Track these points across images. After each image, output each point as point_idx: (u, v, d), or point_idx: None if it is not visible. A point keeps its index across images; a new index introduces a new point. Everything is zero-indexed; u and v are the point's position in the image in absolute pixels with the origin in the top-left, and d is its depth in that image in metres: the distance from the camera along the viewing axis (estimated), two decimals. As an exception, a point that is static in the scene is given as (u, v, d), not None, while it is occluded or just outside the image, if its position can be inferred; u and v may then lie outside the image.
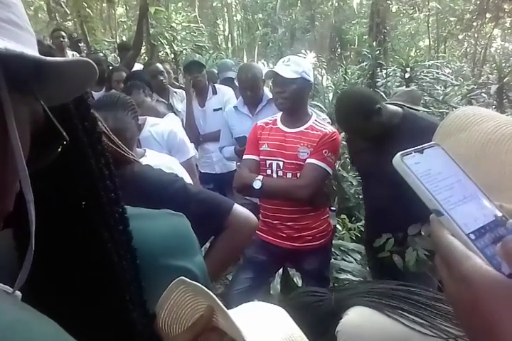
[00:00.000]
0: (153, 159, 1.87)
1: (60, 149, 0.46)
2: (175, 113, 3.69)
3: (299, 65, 2.35)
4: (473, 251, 0.39)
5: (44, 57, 0.36)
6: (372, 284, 1.14)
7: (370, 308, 0.96)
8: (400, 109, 2.33)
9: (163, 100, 3.93)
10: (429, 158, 0.45)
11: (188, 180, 1.98)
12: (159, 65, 4.08)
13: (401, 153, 0.44)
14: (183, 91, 3.96)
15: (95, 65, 0.43)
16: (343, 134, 2.86)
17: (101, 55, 4.87)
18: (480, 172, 0.61)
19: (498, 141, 0.64)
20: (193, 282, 0.61)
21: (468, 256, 0.39)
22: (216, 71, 4.92)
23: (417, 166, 0.43)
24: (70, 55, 6.11)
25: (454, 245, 0.40)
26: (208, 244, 1.42)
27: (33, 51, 0.38)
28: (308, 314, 1.43)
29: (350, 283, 2.62)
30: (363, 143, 2.37)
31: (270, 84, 3.32)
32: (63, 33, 5.91)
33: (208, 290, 0.61)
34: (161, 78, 3.89)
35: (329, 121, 3.05)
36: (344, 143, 4.22)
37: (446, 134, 0.70)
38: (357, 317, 0.96)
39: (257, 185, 2.27)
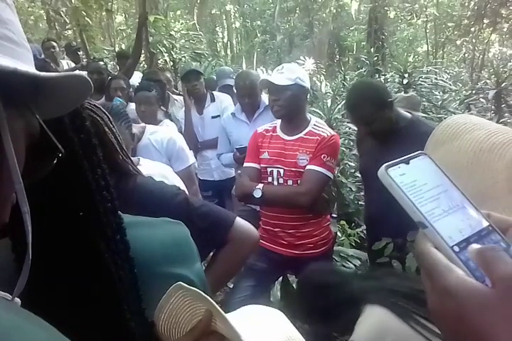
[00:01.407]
0: (147, 168, 1.88)
1: (55, 161, 0.47)
2: (172, 120, 3.72)
3: (293, 71, 2.35)
4: (456, 264, 0.39)
5: (38, 72, 0.37)
6: (399, 279, 1.09)
7: (393, 314, 0.92)
8: (408, 114, 2.35)
9: (163, 108, 3.95)
10: (415, 168, 0.44)
11: (182, 188, 1.99)
12: (160, 73, 4.11)
13: (386, 164, 0.43)
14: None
15: (89, 79, 0.43)
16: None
17: (101, 63, 4.88)
18: (473, 181, 0.61)
19: (490, 149, 0.64)
20: (191, 287, 0.62)
21: (451, 268, 0.39)
22: (215, 78, 4.94)
23: (402, 178, 0.43)
24: (65, 63, 6.13)
25: (437, 258, 0.40)
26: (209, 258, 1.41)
27: (28, 67, 0.39)
28: (326, 294, 1.46)
29: (374, 270, 2.52)
30: (368, 142, 2.36)
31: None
32: (54, 43, 5.93)
33: (205, 295, 0.61)
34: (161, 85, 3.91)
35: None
36: (344, 149, 4.24)
37: (437, 143, 0.70)
38: (375, 324, 0.94)
39: (257, 194, 2.27)
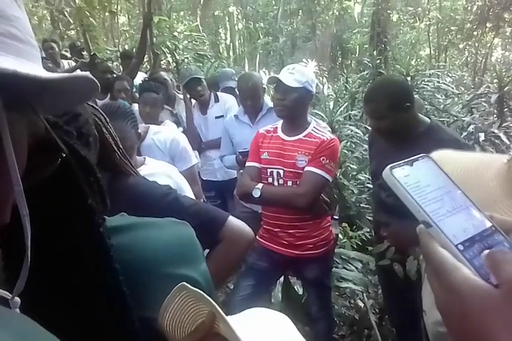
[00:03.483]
0: (153, 167, 1.89)
1: (58, 161, 0.46)
2: (179, 120, 3.74)
3: (304, 74, 2.36)
4: (461, 261, 0.40)
5: (40, 74, 0.35)
6: None
7: None
8: (427, 119, 2.28)
9: (169, 108, 3.97)
10: (418, 170, 0.45)
11: (187, 187, 1.99)
12: (163, 73, 4.12)
13: (391, 165, 0.45)
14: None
15: (95, 80, 0.42)
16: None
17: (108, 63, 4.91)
18: (474, 184, 0.62)
19: (476, 168, 0.67)
20: (194, 288, 0.62)
21: (457, 267, 0.39)
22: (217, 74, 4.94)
23: (407, 178, 0.44)
24: (66, 63, 6.17)
25: (444, 256, 0.40)
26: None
27: (33, 65, 0.38)
28: None
29: None
30: (381, 144, 2.32)
31: (271, 92, 3.34)
32: (53, 44, 6.00)
33: (207, 297, 0.61)
34: (165, 86, 3.93)
35: (329, 129, 3.07)
36: (346, 151, 4.24)
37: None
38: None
39: (256, 193, 2.28)
